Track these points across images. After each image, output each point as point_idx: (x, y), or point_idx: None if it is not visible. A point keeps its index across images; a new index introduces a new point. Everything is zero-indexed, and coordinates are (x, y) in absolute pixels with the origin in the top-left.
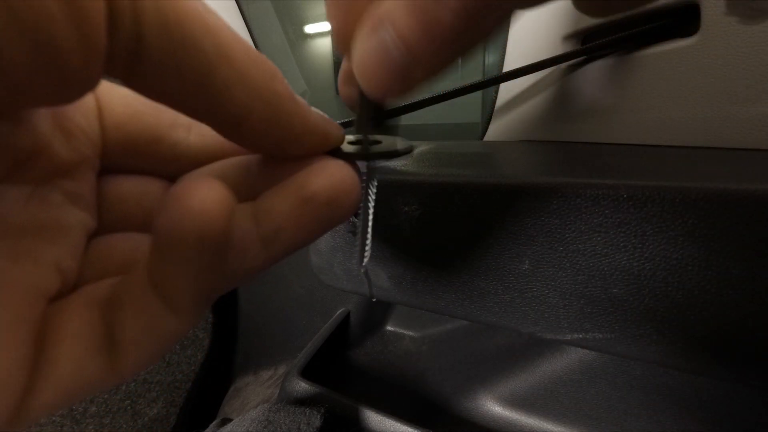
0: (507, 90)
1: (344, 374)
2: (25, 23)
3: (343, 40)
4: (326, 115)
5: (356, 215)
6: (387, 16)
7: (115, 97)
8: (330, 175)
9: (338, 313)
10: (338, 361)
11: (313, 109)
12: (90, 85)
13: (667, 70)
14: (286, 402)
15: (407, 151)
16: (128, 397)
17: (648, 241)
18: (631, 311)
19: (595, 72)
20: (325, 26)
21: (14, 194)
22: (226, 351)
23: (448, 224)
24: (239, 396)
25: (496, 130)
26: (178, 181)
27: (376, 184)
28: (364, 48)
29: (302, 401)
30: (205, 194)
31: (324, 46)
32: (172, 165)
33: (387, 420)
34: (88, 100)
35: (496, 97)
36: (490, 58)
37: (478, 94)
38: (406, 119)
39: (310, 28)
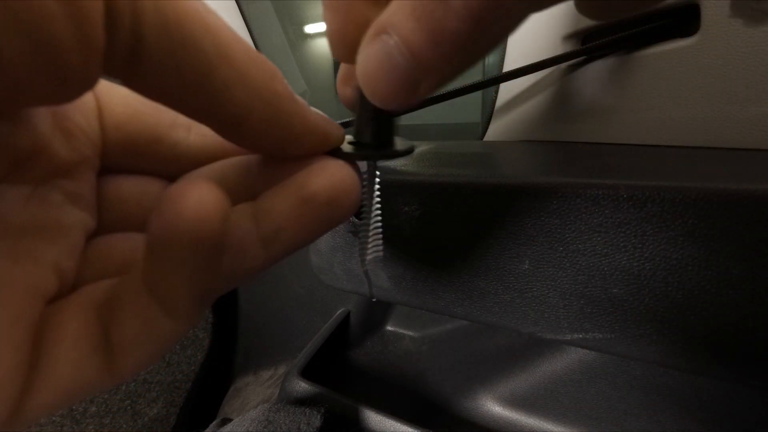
0: (507, 90)
1: (344, 374)
2: (26, 22)
3: (338, 43)
4: (326, 115)
5: (357, 215)
6: (391, 21)
7: (116, 97)
8: (330, 175)
9: (338, 313)
10: (338, 361)
11: (313, 109)
12: (88, 84)
13: (667, 70)
14: (286, 402)
15: (407, 152)
16: (128, 397)
17: (648, 241)
18: (631, 311)
19: (595, 72)
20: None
21: (14, 194)
22: (226, 351)
23: (448, 224)
24: (239, 396)
25: (496, 130)
26: (175, 183)
27: (378, 183)
28: (367, 54)
29: (302, 401)
30: (199, 197)
31: (324, 46)
32: (172, 165)
33: (387, 420)
34: (88, 99)
35: (496, 97)
36: (490, 58)
37: (478, 94)
38: (406, 119)
39: (310, 28)
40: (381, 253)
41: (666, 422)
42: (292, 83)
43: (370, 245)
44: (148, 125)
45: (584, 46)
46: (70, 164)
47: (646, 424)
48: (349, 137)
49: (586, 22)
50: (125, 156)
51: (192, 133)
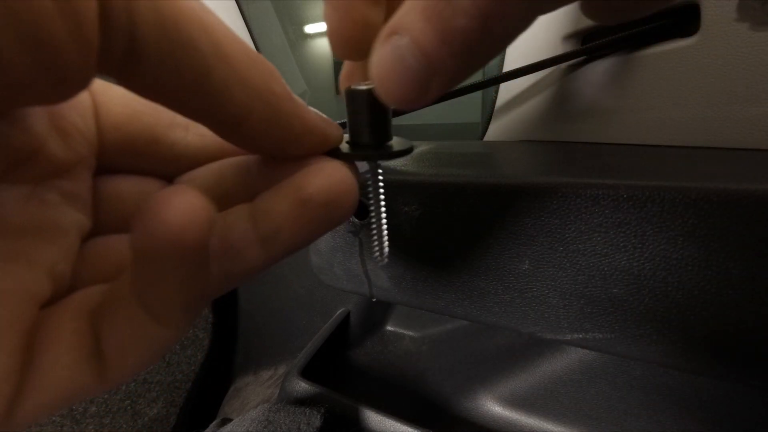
0: (507, 90)
1: (344, 374)
2: (22, 21)
3: (339, 41)
4: (324, 115)
5: (357, 215)
6: (402, 22)
7: (113, 98)
8: (328, 176)
9: (338, 313)
10: (338, 361)
11: (311, 109)
12: (84, 83)
13: (667, 70)
14: (286, 402)
15: (407, 151)
16: (128, 397)
17: (648, 241)
18: (631, 311)
19: (595, 72)
20: (325, 26)
21: (9, 195)
22: (226, 351)
23: (448, 224)
24: (239, 396)
25: (496, 130)
26: (160, 191)
27: (382, 183)
28: (380, 55)
29: (302, 401)
30: (182, 205)
31: (324, 46)
32: (170, 165)
33: (387, 420)
34: (85, 99)
35: (496, 97)
36: None
37: (478, 94)
38: (406, 119)
39: (310, 28)
40: (386, 252)
41: (666, 422)
42: (292, 83)
43: (379, 243)
44: (146, 125)
45: (584, 46)
46: (66, 164)
47: (646, 424)
48: (347, 137)
49: (586, 22)
50: (123, 156)
51: (190, 133)
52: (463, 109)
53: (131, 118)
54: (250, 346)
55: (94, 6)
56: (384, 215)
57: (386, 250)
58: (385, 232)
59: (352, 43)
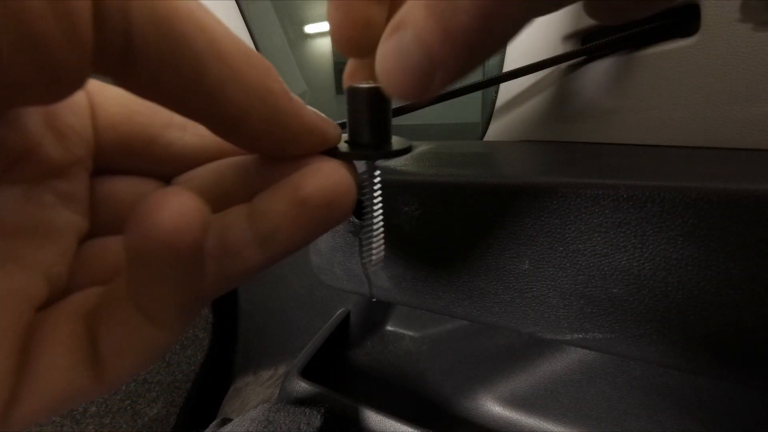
0: (507, 90)
1: (344, 374)
2: (16, 21)
3: (341, 39)
4: (323, 114)
5: (357, 215)
6: (407, 17)
7: (109, 98)
8: (326, 176)
9: (338, 313)
10: (338, 361)
11: (309, 107)
12: (78, 83)
13: (667, 70)
14: (286, 402)
15: (405, 151)
16: (128, 397)
17: (648, 241)
18: (631, 311)
19: (595, 72)
20: (325, 26)
21: (5, 196)
22: (226, 351)
23: (448, 224)
24: (239, 396)
25: (496, 130)
26: (153, 193)
27: (379, 182)
28: (385, 49)
29: (302, 401)
30: (175, 208)
31: (324, 46)
32: (168, 165)
33: (387, 420)
34: (81, 99)
35: (496, 97)
36: (491, 59)
37: (478, 94)
38: (406, 119)
39: (310, 28)
40: (383, 253)
41: (666, 422)
42: (291, 83)
43: (372, 246)
44: (143, 125)
45: (584, 46)
46: (62, 165)
47: (646, 424)
48: (346, 137)
49: (586, 22)
50: (120, 156)
51: (188, 133)
52: (463, 109)
53: (128, 119)
54: (250, 346)
55: (88, 5)
56: (381, 218)
57: (382, 254)
58: (381, 235)
59: (354, 42)
